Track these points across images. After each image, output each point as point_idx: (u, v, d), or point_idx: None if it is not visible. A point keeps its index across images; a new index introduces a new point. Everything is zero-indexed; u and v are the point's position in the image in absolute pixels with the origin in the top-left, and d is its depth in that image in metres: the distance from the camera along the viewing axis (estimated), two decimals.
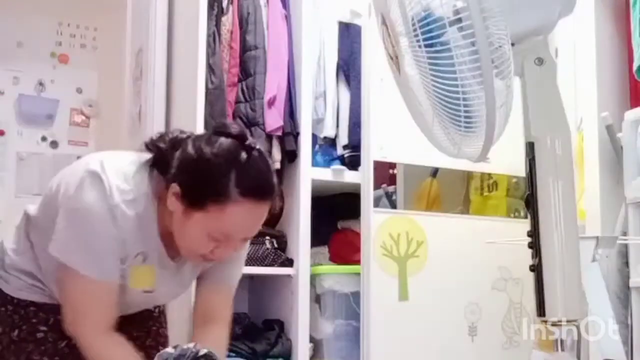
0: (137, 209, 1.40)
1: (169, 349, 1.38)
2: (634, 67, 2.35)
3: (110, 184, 1.38)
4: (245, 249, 1.63)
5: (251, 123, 2.63)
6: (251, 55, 2.68)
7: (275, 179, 1.42)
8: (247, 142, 1.38)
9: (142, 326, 1.67)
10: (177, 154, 1.40)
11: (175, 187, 1.37)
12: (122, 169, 1.43)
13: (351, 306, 2.72)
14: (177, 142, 1.44)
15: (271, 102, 2.64)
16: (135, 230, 1.40)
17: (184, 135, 1.46)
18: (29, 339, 1.50)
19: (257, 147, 1.40)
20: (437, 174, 2.75)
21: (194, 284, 1.63)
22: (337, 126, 2.86)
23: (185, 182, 1.37)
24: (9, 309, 1.52)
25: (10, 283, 1.53)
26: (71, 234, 1.39)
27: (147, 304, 1.63)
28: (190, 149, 1.39)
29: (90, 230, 1.37)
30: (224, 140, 1.37)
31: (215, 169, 1.34)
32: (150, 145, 1.46)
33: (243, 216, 1.36)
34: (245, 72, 2.69)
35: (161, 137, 1.47)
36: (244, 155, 1.35)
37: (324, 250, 2.94)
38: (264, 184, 1.38)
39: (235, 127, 1.41)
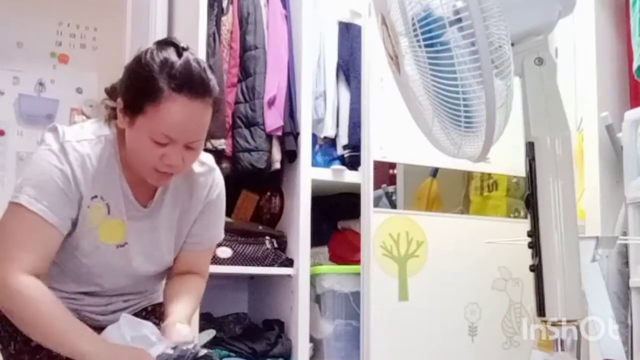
0: (94, 150, 1.44)
1: (169, 350, 1.37)
2: (634, 67, 2.35)
3: (65, 129, 1.45)
4: (221, 209, 1.62)
5: (251, 123, 2.63)
6: (251, 55, 2.68)
7: (211, 79, 1.42)
8: (181, 46, 1.42)
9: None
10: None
11: (119, 102, 1.41)
12: (81, 124, 1.51)
13: (351, 306, 2.72)
14: None
15: (271, 102, 2.64)
16: (90, 171, 1.43)
17: None
18: (24, 350, 1.49)
19: (190, 49, 1.43)
20: (437, 174, 2.76)
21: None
22: (337, 126, 2.86)
23: (125, 92, 1.41)
24: (4, 323, 1.50)
25: None
26: (24, 175, 1.44)
27: (126, 268, 1.53)
28: (130, 63, 1.44)
29: (41, 168, 1.42)
30: (158, 49, 1.41)
31: (148, 72, 1.37)
32: (109, 88, 1.49)
33: (179, 114, 1.36)
34: (245, 72, 2.69)
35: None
36: (175, 57, 1.39)
37: (324, 250, 2.94)
38: (197, 79, 1.39)
39: (174, 38, 1.45)
